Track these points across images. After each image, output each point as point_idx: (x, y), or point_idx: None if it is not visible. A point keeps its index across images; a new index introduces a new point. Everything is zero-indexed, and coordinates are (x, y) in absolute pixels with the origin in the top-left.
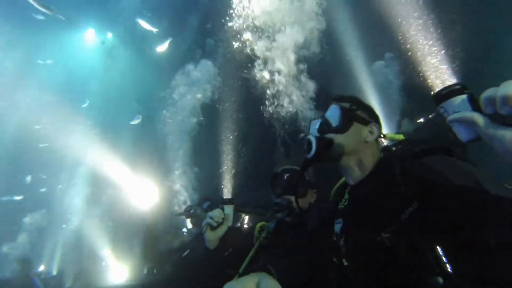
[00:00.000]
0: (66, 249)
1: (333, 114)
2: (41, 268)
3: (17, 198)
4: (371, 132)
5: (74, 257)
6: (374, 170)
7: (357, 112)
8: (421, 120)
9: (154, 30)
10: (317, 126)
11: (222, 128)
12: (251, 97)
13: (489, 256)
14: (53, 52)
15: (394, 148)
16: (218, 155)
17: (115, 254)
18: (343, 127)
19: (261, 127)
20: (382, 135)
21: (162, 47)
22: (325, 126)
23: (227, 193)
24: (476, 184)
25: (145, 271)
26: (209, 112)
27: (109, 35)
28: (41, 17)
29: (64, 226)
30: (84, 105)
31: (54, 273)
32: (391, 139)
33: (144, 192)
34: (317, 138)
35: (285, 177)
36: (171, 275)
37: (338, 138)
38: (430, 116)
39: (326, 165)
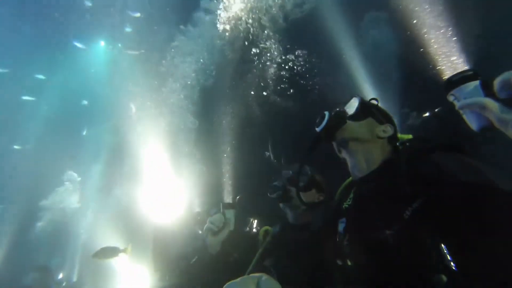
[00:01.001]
0: (84, 251)
1: (351, 104)
2: (60, 276)
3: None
4: (384, 131)
5: (91, 262)
6: (380, 166)
7: (374, 110)
8: (427, 114)
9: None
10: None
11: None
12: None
13: (496, 254)
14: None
15: (401, 147)
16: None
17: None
18: (357, 116)
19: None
20: (396, 139)
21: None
22: (342, 113)
23: (228, 196)
24: (486, 180)
25: (157, 278)
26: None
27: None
28: (82, 46)
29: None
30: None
31: (75, 279)
32: (400, 139)
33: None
34: (330, 113)
35: (291, 171)
36: (179, 282)
37: (350, 123)
38: (436, 110)
39: (334, 162)
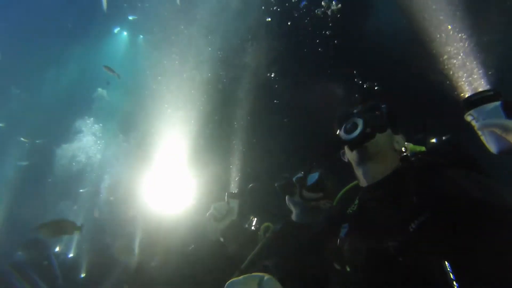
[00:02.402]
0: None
1: (375, 110)
2: (57, 248)
3: None
4: (397, 142)
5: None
6: (389, 176)
7: (393, 120)
8: (434, 140)
9: None
10: (359, 117)
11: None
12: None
13: (502, 276)
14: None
15: (413, 159)
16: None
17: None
18: (383, 127)
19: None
20: (405, 149)
21: None
22: (373, 124)
23: (233, 187)
24: (498, 198)
25: (153, 264)
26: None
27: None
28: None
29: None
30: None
31: (71, 254)
32: (412, 150)
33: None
34: (365, 120)
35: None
36: (176, 269)
37: (378, 135)
38: (444, 138)
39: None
